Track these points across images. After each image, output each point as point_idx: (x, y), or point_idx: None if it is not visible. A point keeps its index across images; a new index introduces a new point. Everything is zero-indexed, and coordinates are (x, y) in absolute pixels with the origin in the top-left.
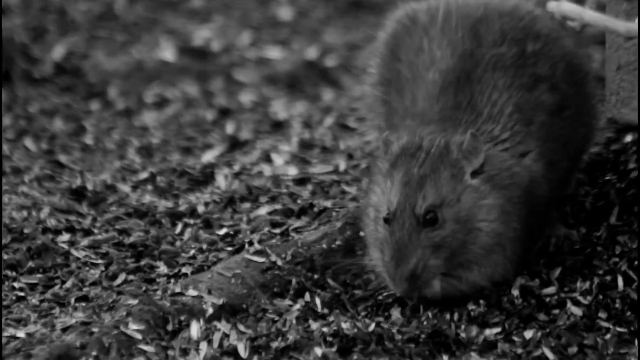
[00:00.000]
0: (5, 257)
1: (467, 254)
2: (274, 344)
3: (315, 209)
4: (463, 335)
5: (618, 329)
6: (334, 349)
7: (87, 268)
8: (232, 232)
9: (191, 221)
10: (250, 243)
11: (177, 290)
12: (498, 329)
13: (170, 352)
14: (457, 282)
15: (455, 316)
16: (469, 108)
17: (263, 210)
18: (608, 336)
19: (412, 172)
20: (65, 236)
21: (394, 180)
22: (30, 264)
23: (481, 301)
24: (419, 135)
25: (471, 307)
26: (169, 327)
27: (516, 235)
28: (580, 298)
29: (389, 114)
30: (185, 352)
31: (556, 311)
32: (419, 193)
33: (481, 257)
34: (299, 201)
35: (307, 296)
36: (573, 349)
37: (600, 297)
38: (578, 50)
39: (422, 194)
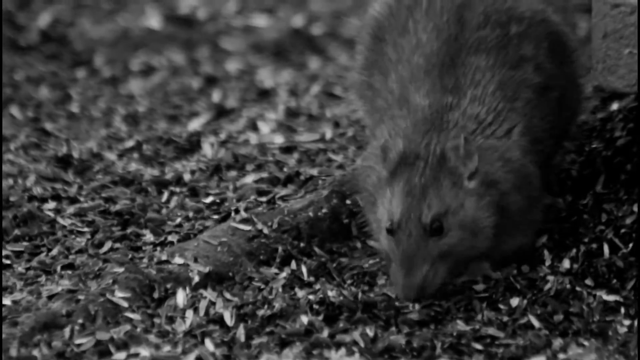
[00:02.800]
0: None
1: (473, 254)
2: (260, 312)
3: (302, 177)
4: (449, 304)
5: (604, 296)
6: (320, 317)
7: (73, 236)
8: (218, 200)
9: (177, 189)
10: (237, 211)
11: (163, 258)
12: (484, 295)
13: (157, 320)
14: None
15: (442, 286)
16: (454, 91)
17: (249, 179)
18: (594, 304)
19: (414, 182)
20: (51, 204)
21: (395, 191)
22: (16, 231)
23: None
24: (415, 141)
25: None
26: (155, 295)
27: (515, 223)
28: (566, 266)
29: (373, 97)
30: (171, 320)
31: (542, 279)
32: (423, 203)
33: (486, 251)
34: (285, 169)
35: (293, 264)
36: (559, 317)
37: (586, 264)
38: (564, 28)
39: (426, 204)
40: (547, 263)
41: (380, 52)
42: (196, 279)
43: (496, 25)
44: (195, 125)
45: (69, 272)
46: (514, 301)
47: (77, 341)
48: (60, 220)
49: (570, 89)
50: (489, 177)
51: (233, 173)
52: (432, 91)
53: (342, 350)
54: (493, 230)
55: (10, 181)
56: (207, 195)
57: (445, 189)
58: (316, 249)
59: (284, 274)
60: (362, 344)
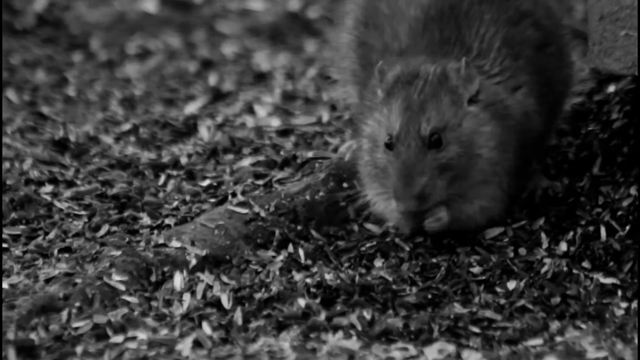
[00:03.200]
0: None
1: (467, 181)
2: (258, 295)
3: (299, 160)
4: (446, 287)
5: (601, 279)
6: (317, 300)
7: (70, 219)
8: (215, 184)
9: (174, 172)
10: (234, 194)
11: (161, 241)
12: (481, 278)
13: (154, 303)
14: (456, 213)
15: (439, 269)
16: (457, 43)
17: (246, 162)
18: (591, 286)
19: (412, 98)
20: (48, 187)
21: (393, 107)
22: (13, 215)
23: (461, 251)
24: (414, 65)
25: (454, 258)
26: (153, 278)
27: (511, 168)
28: (563, 248)
29: (366, 53)
30: (168, 303)
31: (539, 261)
32: (422, 116)
33: (479, 187)
34: (282, 152)
35: (290, 247)
36: (556, 299)
37: (583, 247)
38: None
39: (425, 117)
40: (544, 246)
41: (374, 10)
42: (193, 262)
43: None
44: (191, 108)
45: (66, 255)
46: (511, 284)
47: (75, 324)
48: (57, 203)
49: (566, 48)
50: (491, 110)
51: (230, 156)
52: (432, 44)
53: (340, 333)
54: (491, 158)
55: (7, 165)
56: (204, 178)
57: (444, 105)
58: (313, 232)
59: (281, 257)
60: (359, 327)
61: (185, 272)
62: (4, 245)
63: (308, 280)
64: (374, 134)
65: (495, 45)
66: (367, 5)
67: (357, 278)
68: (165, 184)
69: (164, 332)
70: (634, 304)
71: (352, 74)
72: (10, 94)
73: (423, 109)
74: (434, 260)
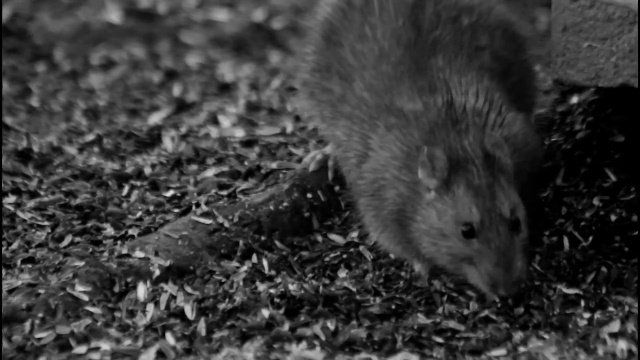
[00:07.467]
0: None
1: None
2: (221, 306)
3: (263, 171)
4: (409, 297)
5: (564, 289)
6: (281, 311)
7: (33, 230)
8: (179, 194)
9: (138, 183)
10: (197, 205)
11: (124, 252)
12: (444, 290)
13: (117, 314)
14: None
15: (400, 281)
16: (433, 90)
17: (210, 172)
18: (554, 297)
19: (475, 183)
20: (11, 198)
21: (458, 194)
22: None
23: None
24: (451, 146)
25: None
26: (116, 289)
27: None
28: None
29: (336, 101)
30: (132, 313)
31: None
32: (496, 200)
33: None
34: (246, 163)
35: (254, 258)
36: (519, 310)
37: (546, 257)
38: (512, 17)
39: (499, 201)
40: None
41: (337, 57)
42: (157, 272)
43: (447, 22)
44: (155, 119)
45: (29, 266)
46: (475, 294)
47: (38, 335)
48: (20, 214)
49: (527, 76)
50: (516, 159)
51: (194, 167)
52: (417, 95)
53: (303, 344)
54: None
55: None
56: (168, 189)
57: (504, 185)
58: (277, 243)
59: (244, 268)
60: (323, 338)
61: (148, 282)
62: None
63: (272, 290)
64: (432, 222)
65: (458, 79)
66: (328, 51)
67: (321, 288)
68: (128, 195)
69: (127, 342)
70: (597, 315)
71: (320, 117)
72: None
73: (492, 193)
74: (398, 270)
